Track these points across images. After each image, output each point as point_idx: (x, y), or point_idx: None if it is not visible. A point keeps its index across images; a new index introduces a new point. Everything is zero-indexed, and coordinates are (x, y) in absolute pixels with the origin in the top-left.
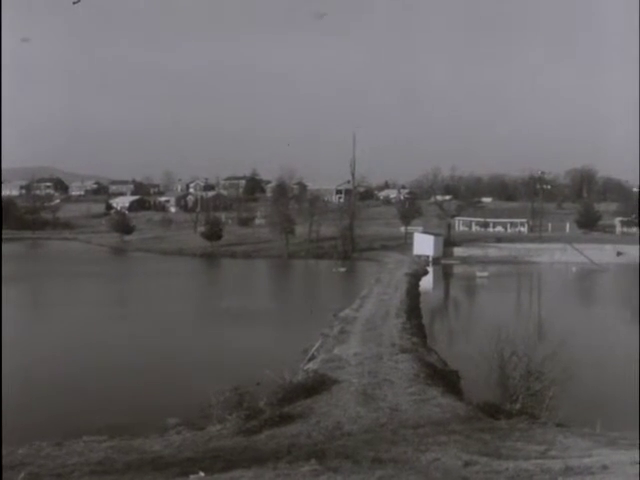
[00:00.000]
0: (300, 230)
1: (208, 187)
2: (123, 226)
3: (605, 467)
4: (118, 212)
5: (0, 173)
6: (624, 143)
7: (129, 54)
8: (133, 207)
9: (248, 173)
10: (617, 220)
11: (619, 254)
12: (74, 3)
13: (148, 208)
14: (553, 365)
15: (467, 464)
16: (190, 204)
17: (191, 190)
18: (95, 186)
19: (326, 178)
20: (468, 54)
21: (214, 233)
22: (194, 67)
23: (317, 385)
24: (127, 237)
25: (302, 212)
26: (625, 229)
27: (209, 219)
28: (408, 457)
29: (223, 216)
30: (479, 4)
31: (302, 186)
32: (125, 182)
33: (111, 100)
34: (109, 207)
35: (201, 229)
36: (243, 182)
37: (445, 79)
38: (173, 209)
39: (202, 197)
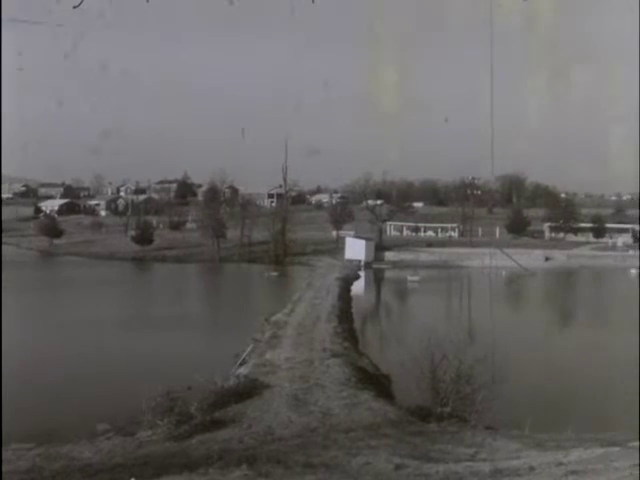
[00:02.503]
0: (232, 234)
1: (139, 191)
2: (52, 230)
3: (532, 468)
4: (47, 215)
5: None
6: (553, 150)
7: (60, 53)
8: (63, 210)
9: (179, 177)
10: (546, 225)
11: (547, 259)
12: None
13: (78, 212)
14: (483, 368)
15: (398, 467)
16: (121, 208)
17: (122, 194)
18: (23, 189)
19: (258, 182)
20: (406, 58)
21: (145, 237)
22: (126, 67)
23: (248, 390)
24: (56, 241)
25: (234, 216)
26: (553, 234)
27: (140, 223)
28: (339, 461)
29: (154, 220)
30: (421, 10)
31: (234, 190)
32: (54, 185)
33: (39, 100)
34: (38, 210)
35: (132, 233)
36: (174, 186)
37: (382, 84)
38: (103, 213)
39: (133, 201)
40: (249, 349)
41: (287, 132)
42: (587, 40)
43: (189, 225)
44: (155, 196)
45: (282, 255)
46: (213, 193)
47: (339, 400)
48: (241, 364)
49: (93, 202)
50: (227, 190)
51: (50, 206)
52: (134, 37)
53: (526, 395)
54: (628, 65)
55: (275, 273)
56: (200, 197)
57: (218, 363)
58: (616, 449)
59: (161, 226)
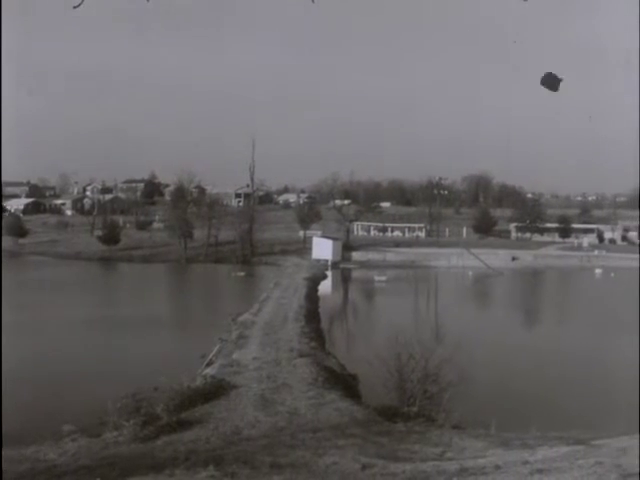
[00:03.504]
0: (199, 234)
1: (105, 190)
2: (17, 229)
3: (498, 467)
4: (12, 214)
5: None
6: (521, 151)
7: (25, 49)
8: (28, 210)
9: (146, 176)
10: (512, 226)
11: (514, 259)
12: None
13: (43, 211)
14: (449, 368)
15: (365, 467)
16: (87, 207)
17: (88, 193)
18: None
19: (225, 182)
20: (374, 59)
21: (111, 237)
22: (92, 65)
23: (215, 390)
24: (21, 240)
25: (201, 216)
26: (520, 234)
27: (106, 222)
28: (306, 461)
29: (121, 220)
30: (392, 9)
31: (201, 190)
32: (19, 184)
33: (4, 98)
34: (2, 209)
35: (98, 233)
36: (141, 185)
37: (350, 84)
38: (69, 212)
39: (99, 200)
40: (216, 349)
41: (254, 131)
42: (565, 42)
43: (156, 225)
44: (122, 195)
45: (249, 255)
46: (180, 193)
47: (306, 400)
48: (208, 364)
49: (59, 201)
50: (194, 190)
51: (15, 205)
52: (103, 34)
53: (492, 394)
54: (603, 67)
55: (242, 273)
56: (167, 197)
57: (185, 363)
58: (581, 447)
59: (128, 226)
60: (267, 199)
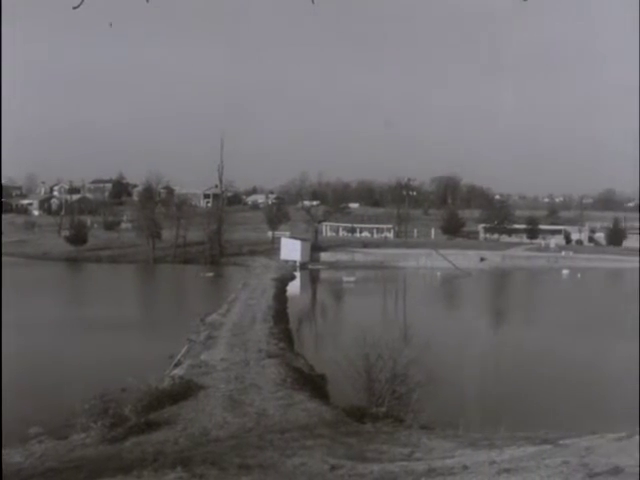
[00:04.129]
0: (167, 234)
1: (73, 190)
2: None
3: (466, 467)
4: None
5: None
6: (489, 153)
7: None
8: None
9: (114, 176)
10: (480, 226)
11: (482, 260)
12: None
13: (10, 211)
14: (418, 368)
15: (333, 468)
16: (54, 207)
17: (55, 193)
18: None
19: (194, 182)
20: (342, 60)
21: (79, 237)
22: (58, 63)
23: (183, 391)
24: None
25: (169, 216)
26: (488, 235)
27: (74, 223)
28: (274, 462)
29: (88, 220)
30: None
31: (169, 190)
32: None
33: None
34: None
35: (65, 233)
36: (109, 186)
37: (318, 84)
38: (36, 212)
39: (66, 200)
40: (184, 350)
41: (223, 131)
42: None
43: (124, 225)
44: (89, 196)
45: (217, 255)
46: (148, 193)
47: (275, 401)
48: (176, 365)
49: (25, 201)
50: (162, 190)
51: None
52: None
53: (460, 395)
54: (576, 69)
55: (210, 274)
56: (135, 197)
57: (153, 364)
58: (548, 447)
59: (95, 226)
60: (236, 200)
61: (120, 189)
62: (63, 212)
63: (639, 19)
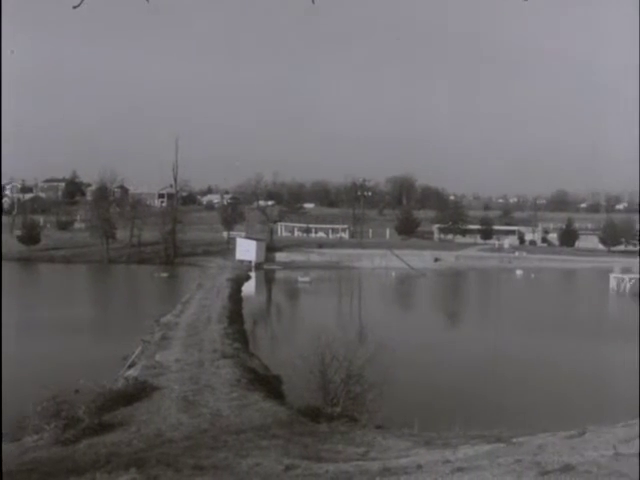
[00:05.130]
0: (121, 234)
1: (25, 189)
2: None
3: (420, 466)
4: None
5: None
6: (445, 154)
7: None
8: None
9: (68, 175)
10: (435, 227)
11: (436, 260)
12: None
13: None
14: (373, 368)
15: (288, 468)
16: (6, 206)
17: (7, 192)
18: None
19: (149, 182)
20: (288, 59)
21: (31, 237)
22: (16, 61)
23: (137, 392)
24: None
25: (124, 216)
26: (442, 236)
27: (26, 222)
28: (229, 463)
29: (41, 219)
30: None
31: (124, 190)
32: None
33: None
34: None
35: (17, 232)
36: (62, 185)
37: (271, 82)
38: None
39: (19, 199)
40: (138, 351)
41: (177, 131)
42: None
43: (77, 225)
44: (42, 195)
45: (172, 256)
46: (102, 192)
47: (229, 401)
48: (130, 366)
49: None
50: (117, 189)
51: None
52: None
53: (415, 394)
54: (533, 71)
55: (165, 274)
56: (89, 196)
57: (106, 365)
58: (501, 445)
59: (48, 226)
60: (190, 200)
61: (74, 188)
62: (15, 211)
63: None
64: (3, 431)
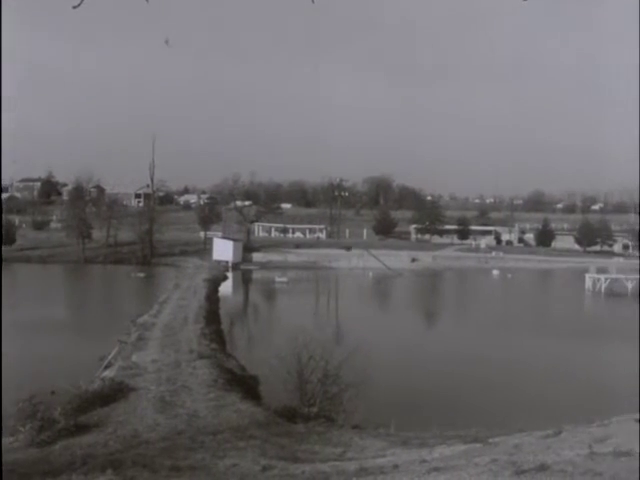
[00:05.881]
0: (98, 234)
1: (0, 189)
2: None
3: (396, 466)
4: None
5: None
6: (421, 154)
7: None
8: None
9: (43, 175)
10: (412, 227)
11: (413, 260)
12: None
13: None
14: (350, 368)
15: (265, 469)
16: None
17: None
18: None
19: (125, 182)
20: (279, 61)
21: (7, 237)
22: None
23: (114, 393)
24: None
25: (100, 216)
26: (419, 236)
27: (1, 222)
28: (206, 464)
29: (17, 219)
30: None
31: (100, 189)
32: None
33: None
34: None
35: None
36: (38, 184)
37: (249, 85)
38: None
39: None
40: (115, 351)
41: (154, 130)
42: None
43: (53, 225)
44: (17, 194)
45: (149, 256)
46: (78, 192)
47: (206, 402)
48: (106, 367)
49: None
50: (93, 189)
51: None
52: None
53: (392, 395)
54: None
55: (142, 274)
56: (65, 196)
57: (83, 366)
58: (478, 445)
59: (24, 225)
60: (167, 200)
61: (49, 188)
62: None
63: None
64: None
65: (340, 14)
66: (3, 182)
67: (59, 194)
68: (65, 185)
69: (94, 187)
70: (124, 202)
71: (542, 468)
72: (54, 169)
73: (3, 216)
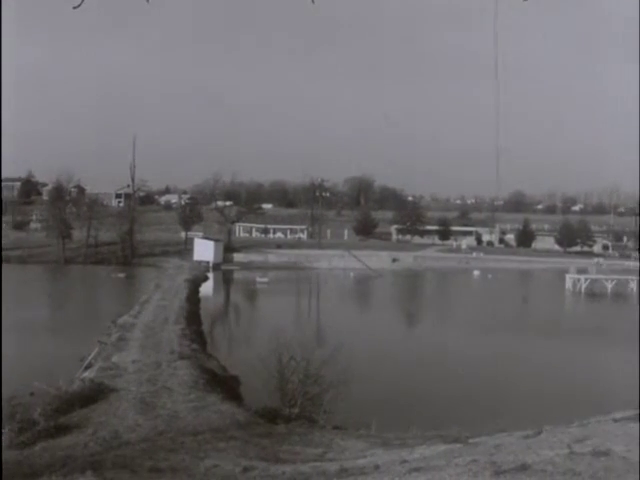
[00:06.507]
0: (78, 235)
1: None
2: None
3: (377, 467)
4: None
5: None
6: (402, 155)
7: None
8: None
9: (23, 175)
10: (393, 228)
11: (394, 260)
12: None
13: None
14: (331, 369)
15: (245, 470)
16: None
17: None
18: None
19: (106, 182)
20: (262, 62)
21: None
22: None
23: (94, 394)
24: None
25: (80, 216)
26: (400, 236)
27: (0, 223)
28: (186, 465)
29: None
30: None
31: (80, 189)
32: None
33: None
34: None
35: None
36: (18, 184)
37: (229, 83)
38: None
39: None
40: (95, 352)
41: (134, 130)
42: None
43: (33, 225)
44: None
45: (129, 256)
46: (58, 192)
47: (187, 403)
48: (87, 367)
49: None
50: (73, 189)
51: None
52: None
53: (373, 395)
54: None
55: (122, 274)
56: (45, 196)
57: (63, 367)
58: (458, 445)
59: (4, 226)
60: (148, 200)
61: (29, 188)
62: None
63: None
64: None
65: (316, 15)
66: None
67: (39, 194)
68: (45, 185)
69: (74, 187)
70: (104, 202)
71: (522, 468)
72: (34, 169)
73: None
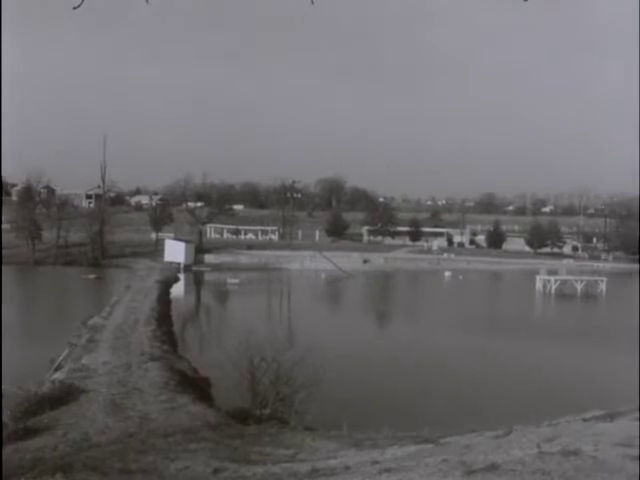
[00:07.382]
0: (48, 236)
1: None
2: None
3: (348, 467)
4: None
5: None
6: (376, 156)
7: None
8: None
9: None
10: (364, 229)
11: (365, 261)
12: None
13: None
14: (302, 370)
15: (216, 471)
16: None
17: None
18: None
19: (76, 182)
20: (238, 61)
21: None
22: None
23: (64, 396)
24: None
25: (50, 217)
26: (372, 238)
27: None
28: (157, 466)
29: None
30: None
31: (50, 190)
32: None
33: None
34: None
35: None
36: None
37: (205, 86)
38: None
39: None
40: (65, 354)
41: (105, 129)
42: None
43: (2, 226)
44: None
45: (100, 257)
46: (28, 193)
47: (157, 404)
48: (56, 369)
49: None
50: (43, 190)
51: None
52: None
53: (344, 396)
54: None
55: (92, 276)
56: (14, 197)
57: (32, 369)
58: (429, 446)
59: None
60: (119, 200)
61: None
62: None
63: None
64: None
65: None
66: None
67: (8, 194)
68: (14, 185)
69: (44, 188)
70: (75, 203)
71: (492, 468)
72: (3, 169)
73: None
